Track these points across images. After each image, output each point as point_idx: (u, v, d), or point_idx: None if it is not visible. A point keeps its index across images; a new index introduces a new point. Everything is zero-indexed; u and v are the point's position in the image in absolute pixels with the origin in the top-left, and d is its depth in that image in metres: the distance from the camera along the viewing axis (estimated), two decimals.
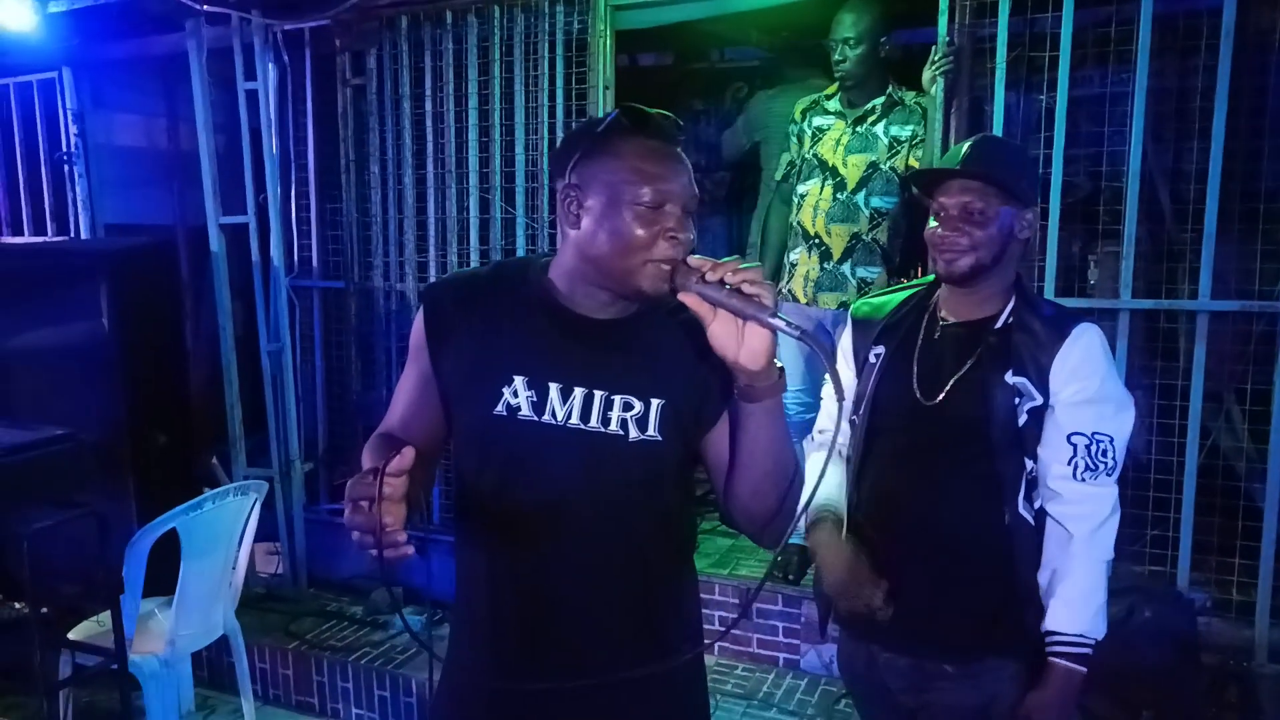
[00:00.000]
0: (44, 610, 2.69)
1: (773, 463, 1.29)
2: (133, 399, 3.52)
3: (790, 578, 3.36)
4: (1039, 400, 1.65)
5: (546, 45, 3.38)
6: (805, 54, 3.88)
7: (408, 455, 1.12)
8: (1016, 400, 1.66)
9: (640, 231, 1.23)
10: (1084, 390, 1.64)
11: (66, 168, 4.24)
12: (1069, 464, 1.64)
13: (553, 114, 3.40)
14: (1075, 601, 1.64)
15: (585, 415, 1.30)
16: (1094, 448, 1.63)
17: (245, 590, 3.20)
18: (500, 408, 1.31)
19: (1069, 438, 1.64)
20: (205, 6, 3.44)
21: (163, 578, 2.86)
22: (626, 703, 1.37)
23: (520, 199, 3.50)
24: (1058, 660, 1.64)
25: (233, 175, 3.77)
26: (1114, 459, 1.64)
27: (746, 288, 1.16)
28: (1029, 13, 2.85)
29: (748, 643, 3.34)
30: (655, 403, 1.31)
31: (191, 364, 4.11)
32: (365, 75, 3.63)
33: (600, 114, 3.29)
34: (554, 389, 1.31)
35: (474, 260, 3.57)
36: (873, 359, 1.82)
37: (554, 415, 1.30)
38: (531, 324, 1.34)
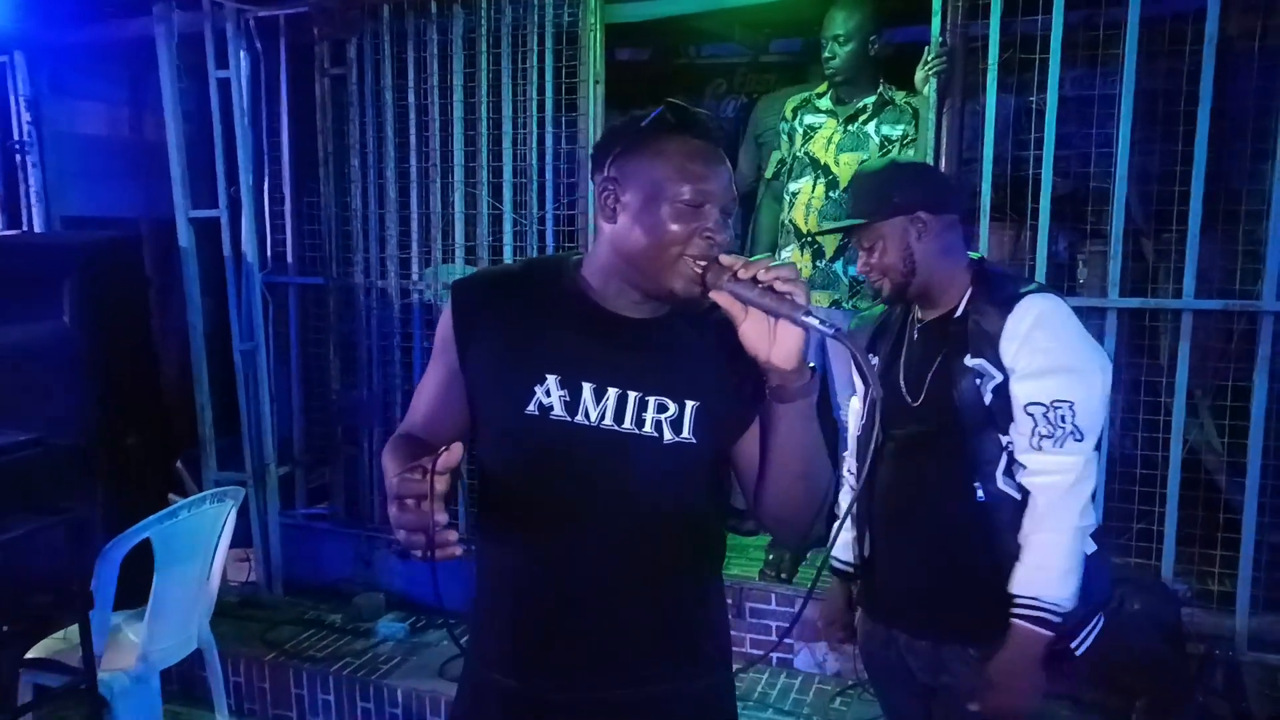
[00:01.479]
0: (4, 628, 2.55)
1: (804, 465, 1.28)
2: (98, 401, 3.38)
3: (783, 576, 3.37)
4: (999, 377, 1.70)
5: (535, 38, 3.32)
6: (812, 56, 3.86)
7: (456, 451, 1.10)
8: (979, 381, 1.71)
9: (676, 228, 1.22)
10: (1034, 361, 1.67)
11: (19, 157, 4.04)
12: (1031, 434, 1.68)
13: (541, 108, 3.35)
14: (1033, 566, 1.67)
15: (619, 416, 1.28)
16: (1052, 415, 1.66)
17: (218, 599, 3.08)
18: (532, 407, 1.28)
19: (1026, 409, 1.68)
20: None
21: (131, 589, 2.75)
22: (653, 714, 1.36)
23: (508, 194, 3.44)
24: (1016, 622, 1.67)
25: (202, 167, 3.64)
26: (1075, 425, 1.66)
27: (779, 285, 1.16)
28: (1020, 14, 2.89)
29: (740, 643, 3.33)
30: (690, 404, 1.29)
31: (159, 364, 3.96)
32: (345, 65, 3.53)
33: (590, 108, 3.28)
34: (587, 389, 1.28)
35: (459, 256, 3.50)
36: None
37: (587, 416, 1.28)
38: (564, 321, 1.31)
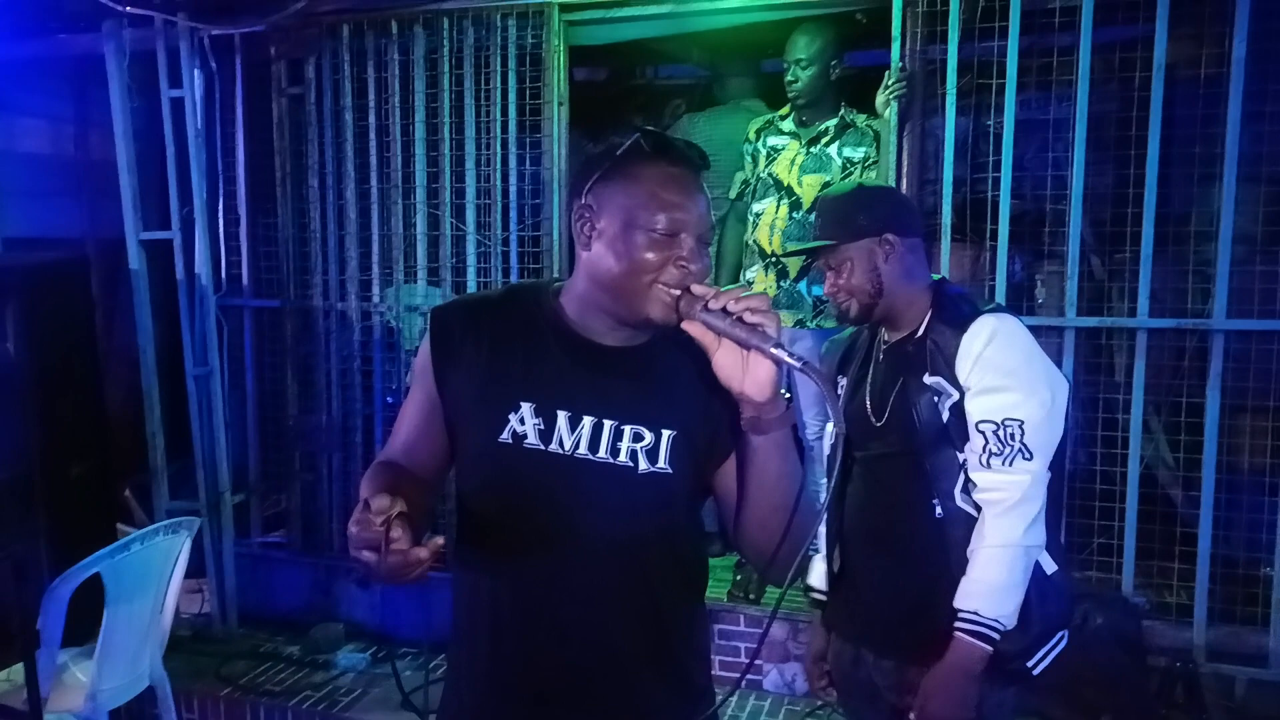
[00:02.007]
0: None
1: (781, 496, 1.25)
2: (43, 428, 3.23)
3: (751, 597, 3.36)
4: (955, 395, 1.72)
5: (499, 59, 3.31)
6: (740, 75, 3.91)
7: (396, 505, 1.07)
8: (936, 399, 1.74)
9: (650, 256, 1.21)
10: (987, 379, 1.70)
11: None
12: (981, 451, 1.70)
13: (505, 129, 3.33)
14: (975, 580, 1.69)
15: (594, 445, 1.27)
16: (1002, 432, 1.68)
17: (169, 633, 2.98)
18: (506, 435, 1.27)
19: (977, 426, 1.70)
20: (127, 8, 3.23)
21: (77, 624, 2.63)
22: None
23: (470, 215, 3.41)
24: (956, 634, 1.68)
25: (153, 187, 3.54)
26: (1024, 443, 1.67)
27: (749, 317, 1.15)
28: (977, 39, 2.96)
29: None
30: (666, 434, 1.28)
31: (104, 390, 3.82)
32: (303, 84, 3.47)
33: (554, 130, 3.27)
34: (562, 417, 1.27)
35: (421, 277, 3.45)
36: (840, 390, 1.95)
37: (561, 444, 1.27)
38: (541, 349, 1.30)
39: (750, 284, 3.34)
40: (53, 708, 2.55)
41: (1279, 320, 2.81)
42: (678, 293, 1.20)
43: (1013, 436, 1.67)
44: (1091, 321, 2.99)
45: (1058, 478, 1.75)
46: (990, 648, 1.66)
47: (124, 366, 4.08)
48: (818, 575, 2.03)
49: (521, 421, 1.27)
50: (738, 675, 3.28)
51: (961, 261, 3.16)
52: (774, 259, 3.28)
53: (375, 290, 3.52)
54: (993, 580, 1.67)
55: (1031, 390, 1.69)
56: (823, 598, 2.02)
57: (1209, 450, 2.89)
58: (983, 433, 1.69)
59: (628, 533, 1.28)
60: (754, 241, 3.33)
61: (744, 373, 1.17)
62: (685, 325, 1.19)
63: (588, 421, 1.27)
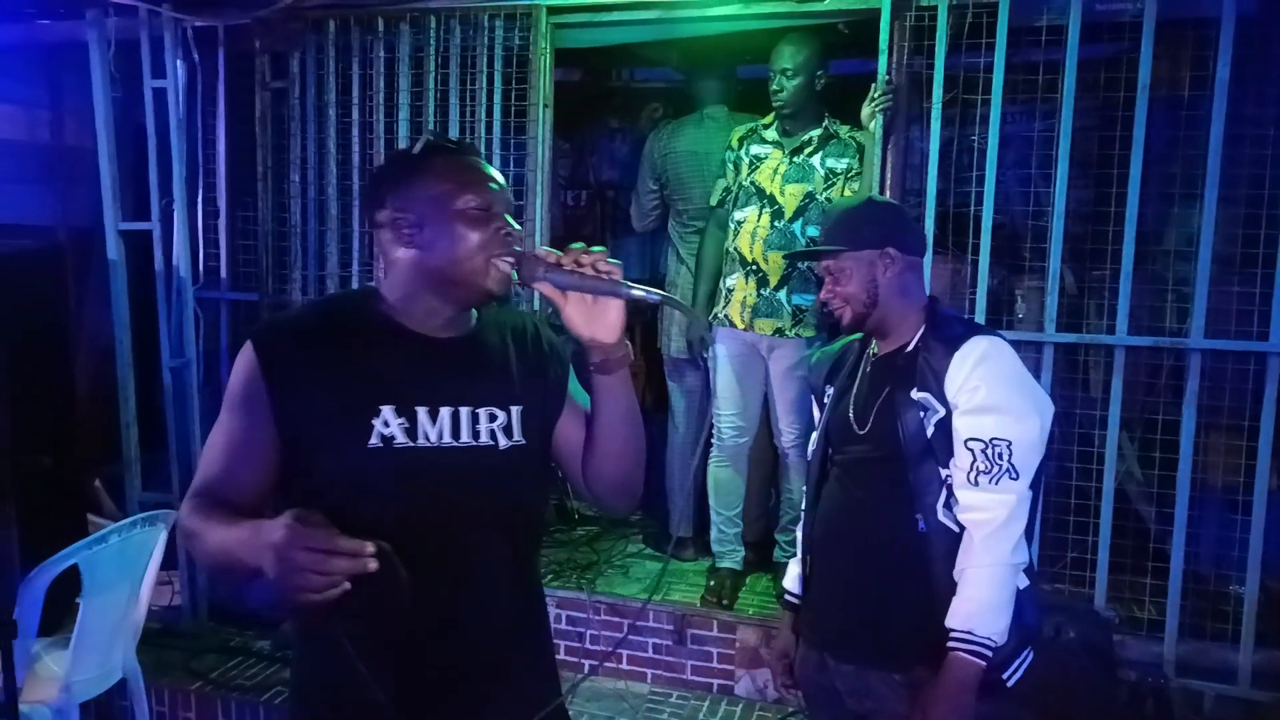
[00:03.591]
0: None
1: (629, 428, 1.40)
2: (14, 418, 3.20)
3: (724, 602, 3.36)
4: (941, 412, 1.75)
5: (485, 59, 3.29)
6: (711, 84, 3.88)
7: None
8: (923, 414, 1.76)
9: (475, 234, 1.31)
10: (975, 398, 1.72)
11: None
12: (969, 469, 1.72)
13: (490, 129, 3.32)
14: (967, 600, 1.71)
15: (455, 432, 1.35)
16: (990, 452, 1.70)
17: None
18: (374, 439, 1.31)
19: (966, 443, 1.72)
20: None
21: (47, 616, 2.61)
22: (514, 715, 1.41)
23: None
24: (952, 653, 1.71)
25: (129, 178, 3.50)
26: (1011, 463, 1.70)
27: (601, 266, 1.28)
28: (963, 54, 2.97)
29: (681, 669, 3.32)
30: (514, 409, 1.39)
31: (75, 380, 3.78)
32: (287, 79, 3.43)
33: (539, 132, 3.26)
34: (421, 412, 1.33)
35: None
36: (826, 398, 2.00)
37: (427, 438, 1.33)
38: (383, 353, 1.35)
39: (730, 291, 3.34)
40: (26, 698, 2.54)
41: (1255, 341, 2.84)
42: (510, 259, 1.31)
43: (1000, 456, 1.70)
44: (1070, 337, 3.01)
45: (1034, 495, 1.77)
46: (984, 664, 1.69)
47: (93, 356, 4.03)
48: (792, 578, 2.06)
49: (386, 424, 1.31)
50: (710, 681, 3.30)
51: (942, 274, 3.17)
52: (754, 266, 3.28)
53: (355, 286, 3.50)
54: (985, 599, 1.70)
55: (1021, 412, 1.72)
56: (795, 600, 2.04)
57: (1183, 467, 2.91)
58: (970, 450, 1.71)
59: (503, 506, 1.38)
60: (735, 249, 3.33)
61: (593, 320, 1.30)
62: (536, 285, 1.30)
63: (445, 412, 1.34)
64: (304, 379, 1.32)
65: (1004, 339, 1.80)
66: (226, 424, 1.34)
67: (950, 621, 1.71)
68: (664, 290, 1.38)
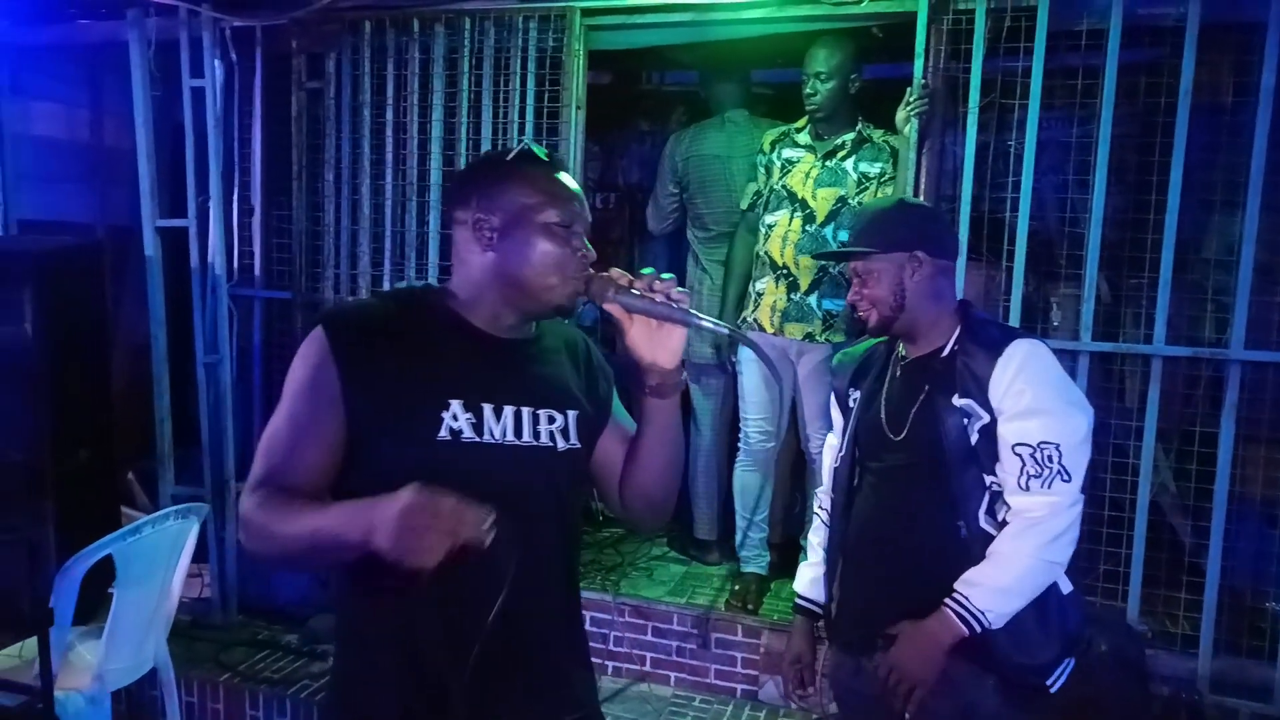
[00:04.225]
0: None
1: (675, 452, 1.44)
2: (56, 411, 3.26)
3: (749, 607, 3.35)
4: (986, 418, 1.74)
5: (518, 61, 3.30)
6: (731, 88, 3.85)
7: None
8: (966, 421, 1.75)
9: (556, 249, 1.34)
10: (1020, 402, 1.71)
11: None
12: (1019, 474, 1.71)
13: (522, 130, 3.33)
14: (981, 571, 1.72)
15: (518, 431, 1.36)
16: (1039, 455, 1.70)
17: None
18: (444, 433, 1.32)
19: (1014, 449, 1.72)
20: None
21: (81, 605, 2.65)
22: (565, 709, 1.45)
23: None
24: (944, 605, 1.72)
25: (165, 176, 3.54)
26: (1062, 465, 1.70)
27: (674, 293, 1.32)
28: (1001, 58, 2.93)
29: (705, 673, 3.31)
30: (571, 414, 1.42)
31: (110, 374, 3.84)
32: (323, 79, 3.47)
33: (572, 133, 3.27)
34: (487, 409, 1.35)
35: (433, 275, 3.45)
36: (852, 402, 1.98)
37: (492, 434, 1.34)
38: (453, 349, 1.38)
39: (760, 295, 3.33)
40: (60, 685, 2.57)
41: None
42: (583, 278, 1.35)
43: (1050, 459, 1.70)
44: (1106, 346, 2.96)
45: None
46: (967, 632, 1.70)
47: (129, 352, 4.09)
48: (805, 583, 2.04)
49: (454, 418, 1.32)
50: (734, 685, 3.29)
51: (975, 281, 3.14)
52: (785, 271, 3.27)
53: (386, 286, 3.52)
54: (996, 578, 1.71)
55: (1066, 415, 1.71)
56: (810, 606, 2.03)
57: (1221, 480, 2.86)
58: (1019, 455, 1.70)
59: (556, 506, 1.41)
60: (765, 253, 3.31)
61: (655, 344, 1.34)
62: (606, 306, 1.33)
63: (508, 410, 1.36)
64: (374, 366, 1.32)
65: (1042, 342, 1.78)
66: (292, 410, 1.32)
67: (957, 584, 1.73)
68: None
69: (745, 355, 3.38)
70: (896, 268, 1.83)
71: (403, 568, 1.10)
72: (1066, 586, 1.76)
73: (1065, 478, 1.69)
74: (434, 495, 1.11)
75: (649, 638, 3.36)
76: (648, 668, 3.37)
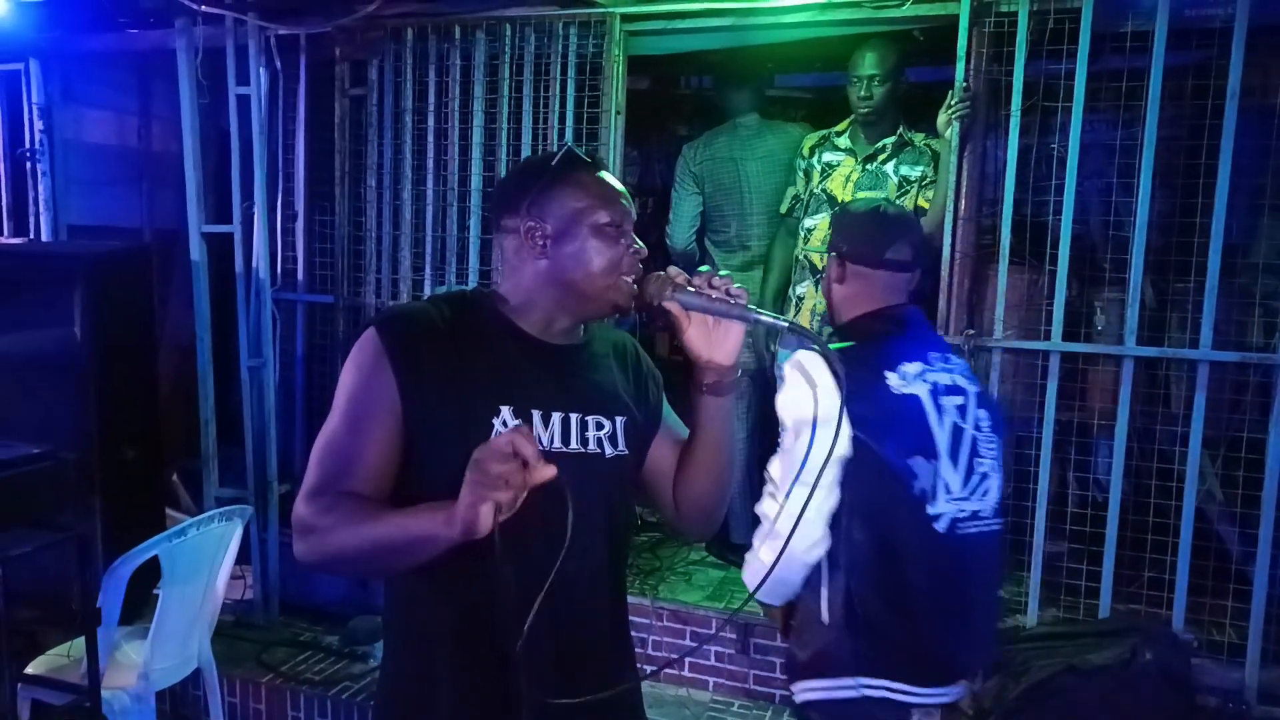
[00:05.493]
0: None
1: (729, 451, 1.43)
2: (104, 412, 3.33)
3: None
4: None
5: (559, 66, 3.32)
6: (743, 93, 3.84)
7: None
8: None
9: (610, 250, 1.35)
10: None
11: (29, 164, 4.00)
12: None
13: (562, 135, 3.34)
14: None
15: (565, 438, 1.36)
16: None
17: None
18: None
19: None
20: (201, 6, 3.29)
21: (126, 605, 2.69)
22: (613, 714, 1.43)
23: None
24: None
25: (210, 181, 3.61)
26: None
27: (733, 290, 1.31)
28: (1044, 60, 2.91)
29: (744, 678, 3.30)
30: (619, 420, 1.41)
31: (158, 375, 3.91)
32: (366, 86, 3.52)
33: (611, 139, 3.28)
34: (537, 415, 1.34)
35: (473, 280, 3.48)
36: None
37: (541, 441, 1.33)
38: (503, 354, 1.37)
39: (800, 299, 3.32)
40: (107, 684, 2.64)
41: None
42: (636, 278, 1.35)
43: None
44: (1152, 351, 2.92)
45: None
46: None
47: (174, 354, 4.17)
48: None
49: (505, 424, 1.31)
50: (773, 691, 3.28)
51: (1018, 285, 3.11)
52: (823, 274, 3.25)
53: (427, 291, 3.56)
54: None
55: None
56: None
57: (1269, 487, 2.81)
58: None
59: (605, 513, 1.39)
60: (805, 257, 3.31)
61: (713, 342, 1.33)
62: (665, 304, 1.32)
63: (556, 417, 1.36)
64: (428, 369, 1.31)
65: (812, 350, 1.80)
66: (349, 414, 1.29)
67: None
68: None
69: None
70: (831, 268, 1.92)
71: (472, 544, 1.11)
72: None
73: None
74: (507, 439, 1.11)
75: (687, 642, 3.36)
76: (686, 672, 3.37)
